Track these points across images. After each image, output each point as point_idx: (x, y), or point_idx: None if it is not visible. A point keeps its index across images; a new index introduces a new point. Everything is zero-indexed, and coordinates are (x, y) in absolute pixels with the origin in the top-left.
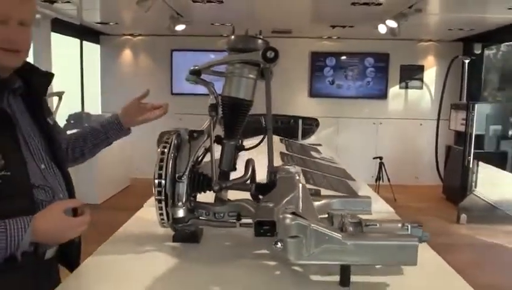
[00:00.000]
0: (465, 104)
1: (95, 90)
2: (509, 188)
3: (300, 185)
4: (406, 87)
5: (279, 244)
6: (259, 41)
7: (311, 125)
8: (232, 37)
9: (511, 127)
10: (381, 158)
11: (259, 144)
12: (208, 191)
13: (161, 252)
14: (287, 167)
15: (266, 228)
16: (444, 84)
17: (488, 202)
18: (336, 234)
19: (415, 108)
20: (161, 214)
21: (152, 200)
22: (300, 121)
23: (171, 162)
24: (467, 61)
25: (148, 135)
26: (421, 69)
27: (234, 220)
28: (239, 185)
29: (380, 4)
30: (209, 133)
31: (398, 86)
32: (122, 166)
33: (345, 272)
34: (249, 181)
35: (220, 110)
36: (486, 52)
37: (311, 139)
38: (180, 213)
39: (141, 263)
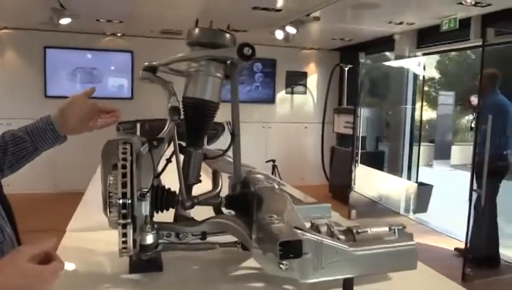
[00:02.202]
0: (348, 109)
1: None
2: (385, 184)
3: (286, 194)
4: (292, 93)
5: (284, 263)
6: (227, 35)
7: (216, 130)
8: (196, 30)
9: (386, 129)
10: (274, 161)
11: (226, 150)
12: (169, 209)
13: (121, 287)
14: (257, 175)
15: (292, 249)
16: (327, 90)
17: (369, 198)
18: (344, 246)
19: (300, 112)
20: (125, 242)
21: (76, 225)
22: None
23: (135, 177)
24: (346, 68)
25: None
26: (304, 75)
27: (213, 242)
28: (210, 200)
29: (279, 10)
30: (173, 141)
31: (284, 91)
32: None
33: (349, 284)
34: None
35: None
36: (363, 61)
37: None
38: (150, 239)
39: None
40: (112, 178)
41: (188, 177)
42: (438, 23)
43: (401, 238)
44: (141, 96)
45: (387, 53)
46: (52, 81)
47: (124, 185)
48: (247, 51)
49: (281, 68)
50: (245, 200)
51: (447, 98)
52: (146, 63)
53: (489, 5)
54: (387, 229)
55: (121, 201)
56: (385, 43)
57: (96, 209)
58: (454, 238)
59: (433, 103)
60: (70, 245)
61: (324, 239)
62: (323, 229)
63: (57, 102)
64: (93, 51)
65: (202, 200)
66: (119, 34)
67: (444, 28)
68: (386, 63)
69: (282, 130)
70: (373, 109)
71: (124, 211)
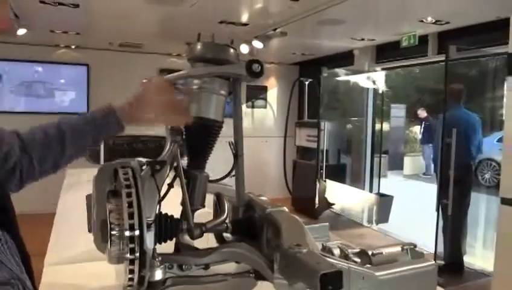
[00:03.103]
0: (310, 122)
1: None
2: (348, 197)
3: (298, 218)
4: (252, 107)
5: None
6: (232, 50)
7: (182, 146)
8: (199, 44)
9: (347, 142)
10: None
11: (230, 172)
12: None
13: None
14: (261, 198)
15: (331, 281)
16: (289, 104)
17: (333, 211)
18: (369, 271)
19: (260, 126)
20: (131, 279)
21: (55, 257)
22: None
23: (143, 206)
24: (307, 83)
25: None
26: (264, 89)
27: (225, 273)
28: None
29: (246, 25)
30: (177, 163)
31: (245, 105)
32: None
33: None
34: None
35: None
36: (325, 75)
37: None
38: (159, 274)
39: None
40: (111, 207)
41: (194, 202)
42: (397, 39)
43: (419, 259)
44: None
45: (345, 69)
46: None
47: (130, 216)
48: (256, 67)
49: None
50: (252, 225)
51: (398, 110)
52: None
53: (447, 23)
54: (399, 249)
55: (128, 234)
56: (345, 57)
57: (75, 237)
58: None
59: (385, 116)
60: (54, 282)
61: (351, 265)
62: (337, 252)
63: (3, 118)
64: (45, 63)
65: (210, 227)
66: (73, 46)
67: (404, 44)
68: (345, 78)
69: (244, 144)
70: (334, 122)
71: (131, 246)
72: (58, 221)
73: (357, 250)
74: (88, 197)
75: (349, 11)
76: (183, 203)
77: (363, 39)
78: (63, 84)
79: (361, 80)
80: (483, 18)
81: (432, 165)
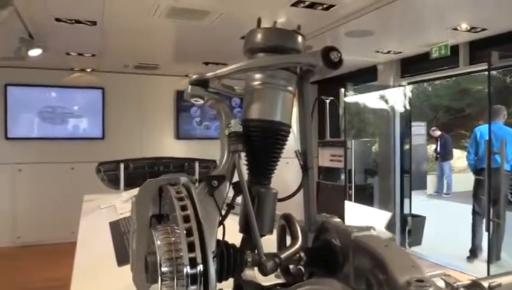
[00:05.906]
0: (333, 141)
1: None
2: (376, 219)
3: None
4: None
5: None
6: (300, 38)
7: (208, 168)
8: (260, 31)
9: (374, 162)
10: None
11: (299, 189)
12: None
13: None
14: (335, 219)
15: None
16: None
17: None
18: None
19: None
20: None
21: None
22: (196, 164)
23: (206, 233)
24: (327, 101)
25: None
26: None
27: None
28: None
29: None
30: (240, 178)
31: None
32: None
33: None
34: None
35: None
36: (351, 93)
37: None
38: None
39: None
40: (160, 235)
41: (262, 227)
42: (425, 50)
43: None
44: (113, 136)
45: (369, 85)
46: (14, 121)
47: (191, 247)
48: (335, 56)
49: None
50: (332, 254)
51: (418, 128)
52: (194, 76)
53: (484, 29)
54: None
55: (189, 270)
56: (367, 73)
57: (101, 272)
58: (457, 270)
59: (406, 134)
60: None
61: None
62: (441, 284)
63: (20, 144)
64: (60, 88)
65: (286, 258)
66: (88, 70)
67: (434, 55)
68: (368, 94)
69: None
70: (360, 140)
71: (193, 288)
72: (80, 252)
73: (468, 282)
74: (112, 224)
75: (378, 21)
76: (247, 229)
77: (389, 52)
78: (78, 109)
79: (385, 96)
80: None
81: (452, 184)
